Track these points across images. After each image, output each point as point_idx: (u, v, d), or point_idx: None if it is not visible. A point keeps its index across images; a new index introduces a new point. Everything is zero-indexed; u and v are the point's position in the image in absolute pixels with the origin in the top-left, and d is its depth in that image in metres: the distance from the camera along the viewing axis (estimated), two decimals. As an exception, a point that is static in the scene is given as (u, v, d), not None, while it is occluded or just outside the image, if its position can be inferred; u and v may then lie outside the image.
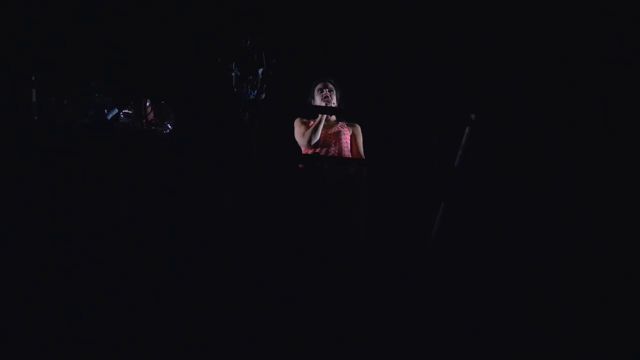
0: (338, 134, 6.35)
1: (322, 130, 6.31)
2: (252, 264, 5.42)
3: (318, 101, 6.42)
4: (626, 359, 5.35)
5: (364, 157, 6.43)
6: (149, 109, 6.04)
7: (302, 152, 6.38)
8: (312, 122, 6.38)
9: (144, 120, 5.99)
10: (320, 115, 6.33)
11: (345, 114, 6.49)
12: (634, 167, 6.12)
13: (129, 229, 5.38)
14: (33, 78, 5.77)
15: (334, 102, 6.41)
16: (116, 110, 6.05)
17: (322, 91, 6.43)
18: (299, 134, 6.37)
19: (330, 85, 6.45)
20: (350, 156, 6.38)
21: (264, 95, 6.09)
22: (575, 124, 6.33)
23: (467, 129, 5.55)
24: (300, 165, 6.25)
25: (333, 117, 6.46)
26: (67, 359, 5.04)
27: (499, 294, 5.48)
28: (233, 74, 5.94)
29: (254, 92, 6.04)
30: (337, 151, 6.29)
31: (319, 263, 5.49)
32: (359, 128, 6.48)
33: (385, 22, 7.32)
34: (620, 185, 6.05)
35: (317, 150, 6.30)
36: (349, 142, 6.39)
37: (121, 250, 5.32)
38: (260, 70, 6.03)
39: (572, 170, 6.03)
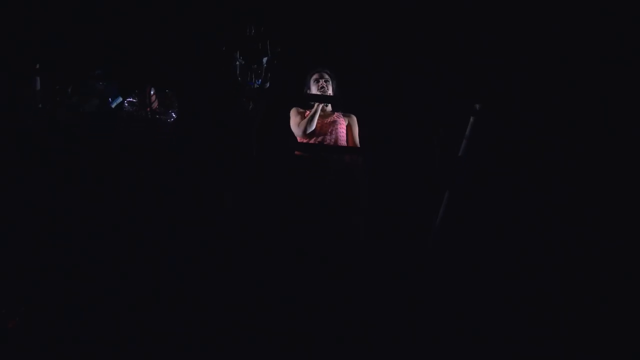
0: (334, 124, 6.37)
1: (318, 120, 6.33)
2: (252, 264, 5.42)
3: (314, 91, 6.44)
4: (626, 359, 5.34)
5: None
6: (153, 98, 6.05)
7: (298, 141, 6.39)
8: (308, 111, 6.40)
9: (148, 109, 6.00)
10: (316, 105, 6.35)
11: (341, 102, 6.50)
12: (634, 167, 6.11)
13: (129, 229, 5.38)
14: (37, 66, 5.77)
15: (330, 93, 6.43)
16: (120, 99, 6.06)
17: (318, 81, 6.47)
18: (295, 123, 6.40)
19: (326, 76, 6.48)
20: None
21: (268, 84, 6.09)
22: (575, 124, 6.32)
23: (471, 119, 5.57)
24: (297, 152, 6.26)
25: (329, 107, 6.47)
26: (67, 359, 5.04)
27: (499, 294, 5.48)
28: (237, 62, 5.94)
29: (258, 80, 6.04)
30: (332, 141, 6.30)
31: (319, 263, 5.49)
32: (354, 118, 6.52)
33: (385, 22, 7.32)
34: (620, 185, 6.04)
35: (313, 139, 6.31)
36: (344, 132, 6.41)
37: (121, 250, 5.32)
38: (265, 59, 6.03)
39: (572, 170, 6.03)
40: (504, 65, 6.78)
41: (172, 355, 5.14)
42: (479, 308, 5.37)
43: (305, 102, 6.58)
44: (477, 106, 5.58)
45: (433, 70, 6.99)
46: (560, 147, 6.15)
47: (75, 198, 5.36)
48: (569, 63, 6.62)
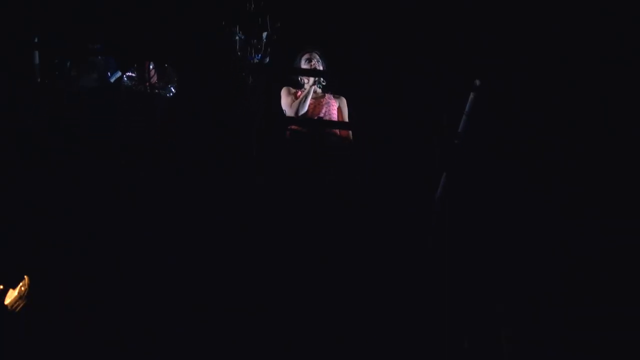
0: (325, 106, 6.44)
1: (310, 101, 6.41)
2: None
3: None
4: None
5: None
6: (152, 72, 6.05)
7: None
8: (300, 92, 6.45)
9: (147, 84, 6.01)
10: (308, 87, 6.42)
11: (335, 77, 6.57)
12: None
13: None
14: (35, 40, 5.75)
15: (320, 77, 6.46)
16: (119, 73, 6.07)
17: (310, 61, 6.52)
18: (287, 104, 6.45)
19: (317, 56, 6.51)
20: None
21: (268, 59, 6.11)
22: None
23: (471, 95, 5.59)
24: (292, 127, 6.30)
25: (319, 90, 6.49)
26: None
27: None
28: (237, 37, 5.95)
29: (257, 55, 6.06)
30: None
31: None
32: (344, 100, 6.59)
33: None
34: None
35: None
36: (335, 113, 6.48)
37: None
38: (265, 34, 6.04)
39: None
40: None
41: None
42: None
43: (298, 81, 6.62)
44: (477, 82, 5.61)
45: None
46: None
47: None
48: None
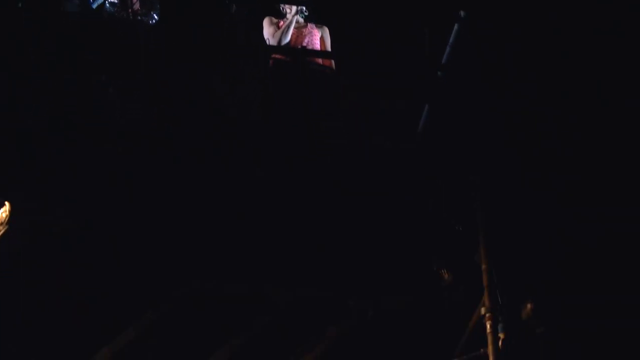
0: (308, 35, 6.43)
1: (293, 31, 6.38)
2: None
3: (287, 3, 6.47)
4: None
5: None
6: None
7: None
8: (282, 22, 6.43)
9: (130, 10, 5.96)
10: (291, 16, 6.38)
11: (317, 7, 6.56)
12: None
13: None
14: None
15: (302, 7, 6.46)
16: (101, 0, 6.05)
17: None
18: (269, 34, 6.41)
19: None
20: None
21: None
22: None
23: (455, 26, 5.58)
24: (275, 56, 6.30)
25: (302, 20, 6.49)
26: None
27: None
28: None
29: None
30: None
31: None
32: (327, 30, 6.57)
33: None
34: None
35: None
36: (318, 43, 6.48)
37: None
38: None
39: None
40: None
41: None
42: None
43: (280, 10, 6.54)
44: (462, 13, 5.59)
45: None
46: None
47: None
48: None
